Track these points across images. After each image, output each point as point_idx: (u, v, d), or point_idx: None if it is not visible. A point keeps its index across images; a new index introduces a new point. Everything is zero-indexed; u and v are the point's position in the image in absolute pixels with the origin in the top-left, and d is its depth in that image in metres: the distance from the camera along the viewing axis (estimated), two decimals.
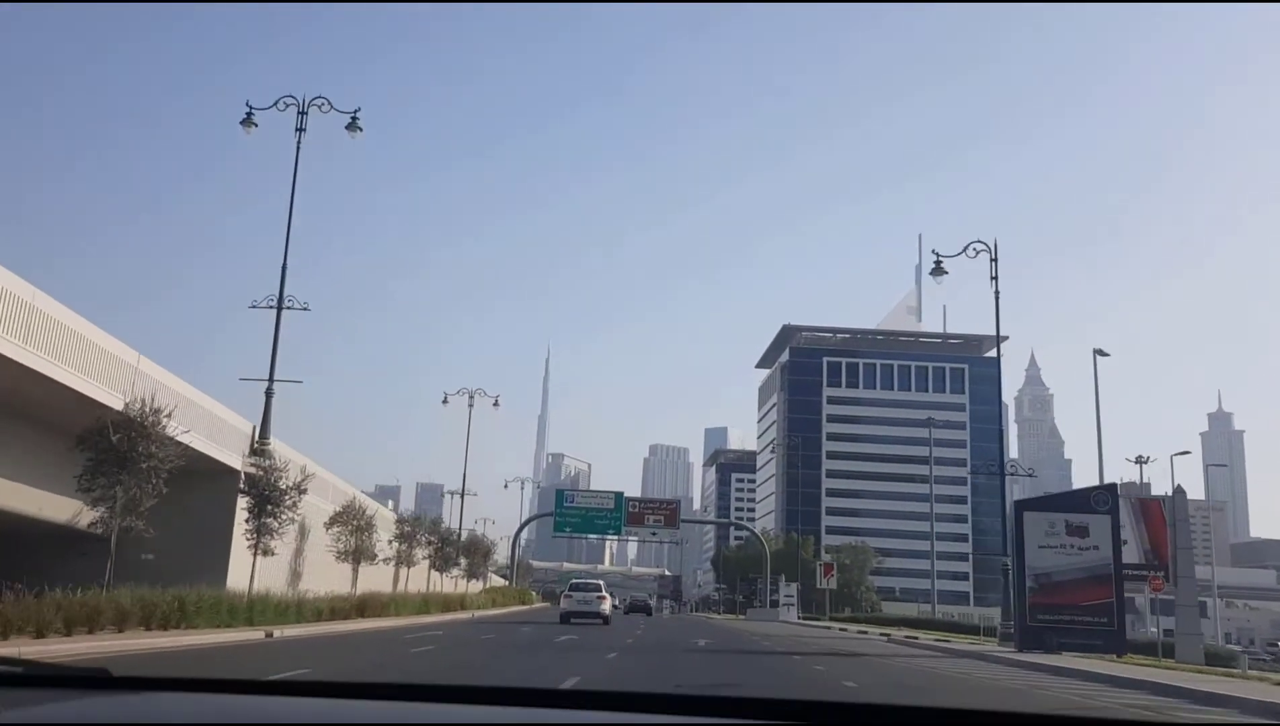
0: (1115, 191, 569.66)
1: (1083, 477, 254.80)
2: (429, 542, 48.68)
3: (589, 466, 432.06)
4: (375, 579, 39.17)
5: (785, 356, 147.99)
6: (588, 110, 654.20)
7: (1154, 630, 39.44)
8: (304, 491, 27.03)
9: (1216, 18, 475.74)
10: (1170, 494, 34.29)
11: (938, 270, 29.56)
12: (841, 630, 47.19)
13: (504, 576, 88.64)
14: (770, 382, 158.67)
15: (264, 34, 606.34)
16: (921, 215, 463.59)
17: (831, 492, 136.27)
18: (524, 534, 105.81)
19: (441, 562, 52.07)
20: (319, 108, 30.69)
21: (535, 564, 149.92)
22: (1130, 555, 27.18)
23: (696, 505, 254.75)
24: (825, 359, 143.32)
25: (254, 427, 28.80)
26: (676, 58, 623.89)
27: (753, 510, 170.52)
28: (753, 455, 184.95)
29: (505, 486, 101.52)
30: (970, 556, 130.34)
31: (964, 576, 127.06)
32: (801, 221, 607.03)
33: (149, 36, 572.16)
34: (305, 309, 29.31)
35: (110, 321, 24.28)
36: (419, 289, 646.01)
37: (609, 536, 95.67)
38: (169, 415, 20.18)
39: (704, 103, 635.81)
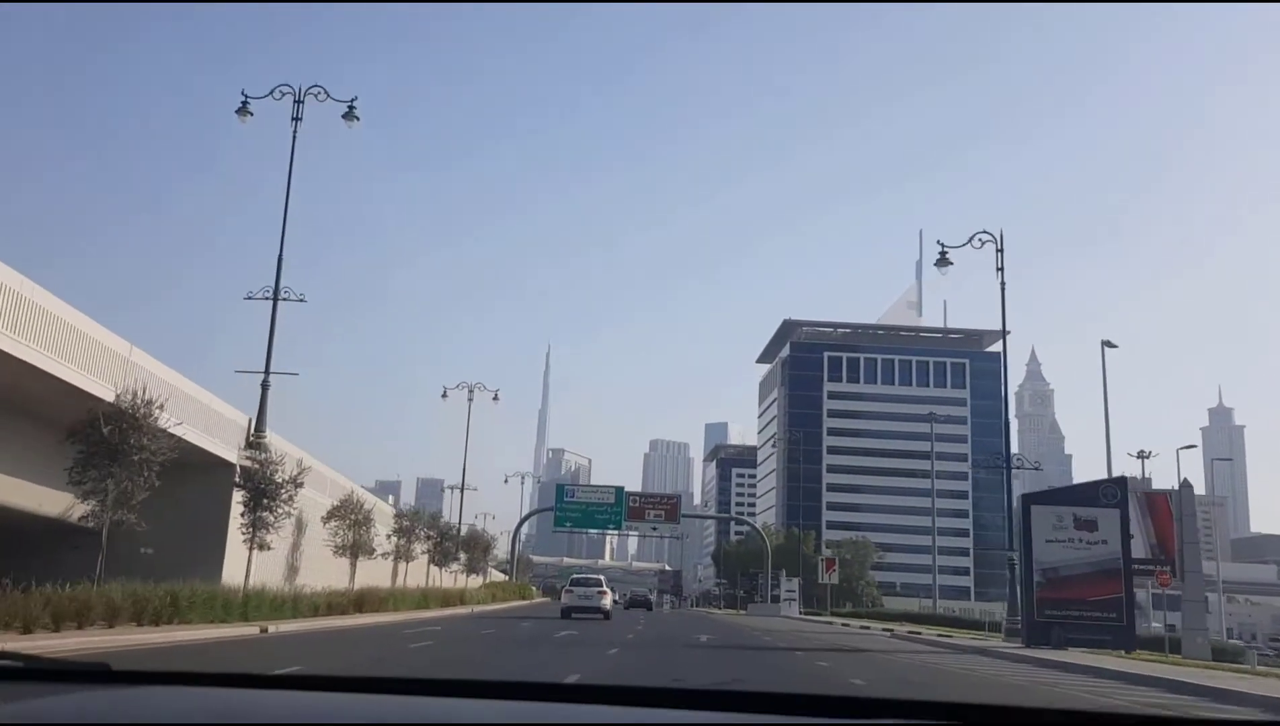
0: (1115, 190, 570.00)
1: (1083, 473, 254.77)
2: (428, 537, 48.35)
3: (589, 462, 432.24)
4: (374, 574, 38.85)
5: (786, 351, 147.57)
6: (588, 109, 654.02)
7: (1156, 625, 39.13)
8: (300, 485, 26.65)
9: (1217, 18, 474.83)
10: (1177, 488, 33.94)
11: (942, 261, 29.13)
12: (844, 625, 46.86)
13: (504, 571, 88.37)
14: (771, 377, 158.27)
15: (264, 31, 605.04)
16: (922, 213, 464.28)
17: (832, 487, 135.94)
18: (524, 529, 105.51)
19: (441, 557, 51.72)
20: (315, 97, 30.28)
21: (535, 559, 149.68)
22: (1136, 550, 26.80)
23: (697, 500, 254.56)
24: (826, 354, 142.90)
25: (250, 420, 28.45)
26: (677, 57, 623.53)
27: (753, 505, 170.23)
28: (753, 450, 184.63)
29: (505, 481, 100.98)
30: (971, 551, 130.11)
31: (965, 571, 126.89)
32: (802, 219, 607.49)
33: (148, 35, 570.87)
34: (301, 300, 28.98)
35: (112, 320, 23.98)
36: (419, 285, 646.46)
37: (609, 531, 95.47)
38: (161, 407, 19.81)
39: (704, 102, 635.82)
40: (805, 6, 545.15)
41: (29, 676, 2.06)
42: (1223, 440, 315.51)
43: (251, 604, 21.78)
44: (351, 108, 30.58)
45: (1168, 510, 30.37)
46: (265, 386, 28.36)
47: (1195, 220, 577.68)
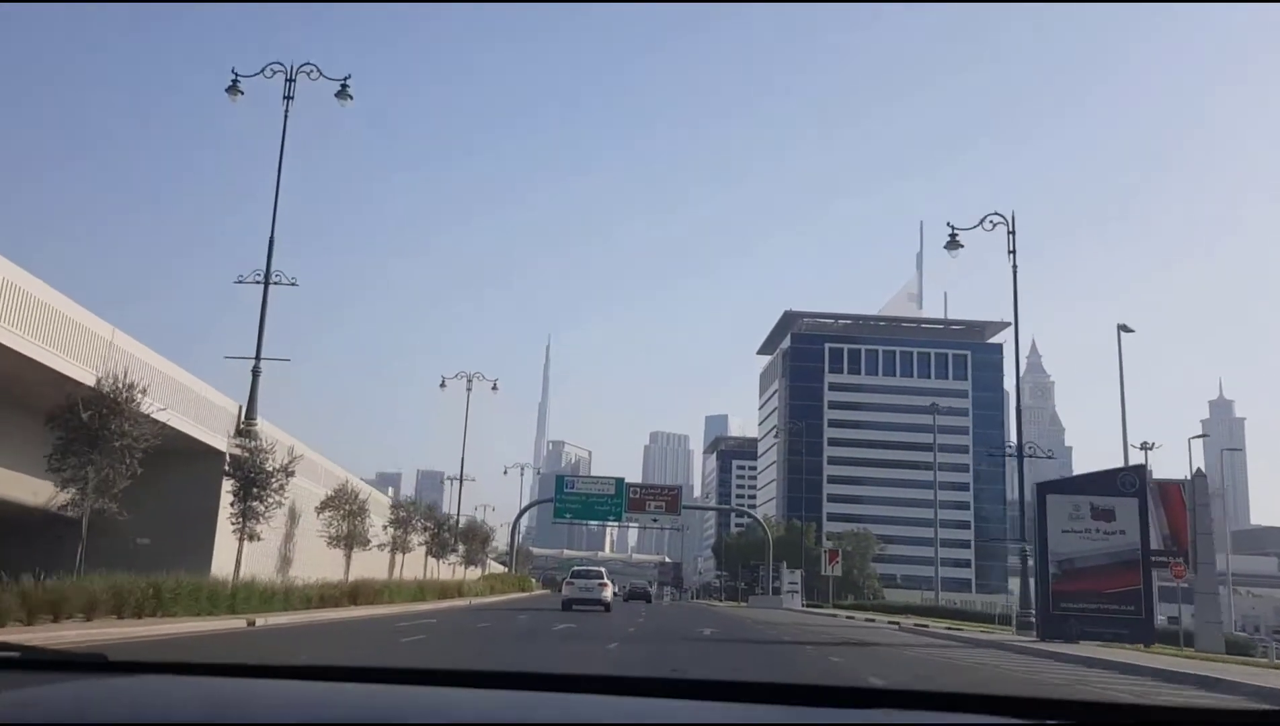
0: (1117, 184, 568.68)
1: (1083, 465, 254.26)
2: (425, 528, 47.64)
3: (589, 454, 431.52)
4: (370, 565, 38.17)
5: (787, 342, 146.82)
6: (589, 100, 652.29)
7: (1159, 618, 38.42)
8: (291, 473, 25.91)
9: (1217, 18, 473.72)
10: (1189, 478, 33.21)
11: (953, 243, 28.32)
12: (849, 618, 46.13)
13: (503, 563, 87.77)
14: (771, 369, 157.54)
15: (264, 27, 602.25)
16: (922, 208, 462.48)
17: (833, 479, 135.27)
18: (524, 520, 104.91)
19: (438, 549, 51.01)
20: (308, 75, 29.47)
21: (535, 551, 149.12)
22: (1149, 540, 26.07)
23: (697, 492, 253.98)
24: (827, 345, 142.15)
25: (240, 408, 27.69)
26: (680, 52, 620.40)
27: (753, 497, 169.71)
28: (753, 442, 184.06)
29: (505, 472, 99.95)
30: (972, 543, 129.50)
31: (966, 563, 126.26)
32: (803, 212, 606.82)
33: (147, 33, 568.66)
34: (293, 284, 28.24)
35: (115, 316, 23.23)
36: (418, 278, 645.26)
37: (609, 523, 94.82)
38: (144, 391, 19.05)
39: (706, 98, 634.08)
40: (806, 6, 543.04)
41: (26, 666, 2.04)
42: (1223, 432, 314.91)
43: (240, 596, 21.06)
44: (345, 86, 29.75)
45: (1180, 500, 29.60)
46: (256, 373, 27.63)
47: (1196, 215, 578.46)
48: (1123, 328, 31.48)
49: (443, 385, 58.57)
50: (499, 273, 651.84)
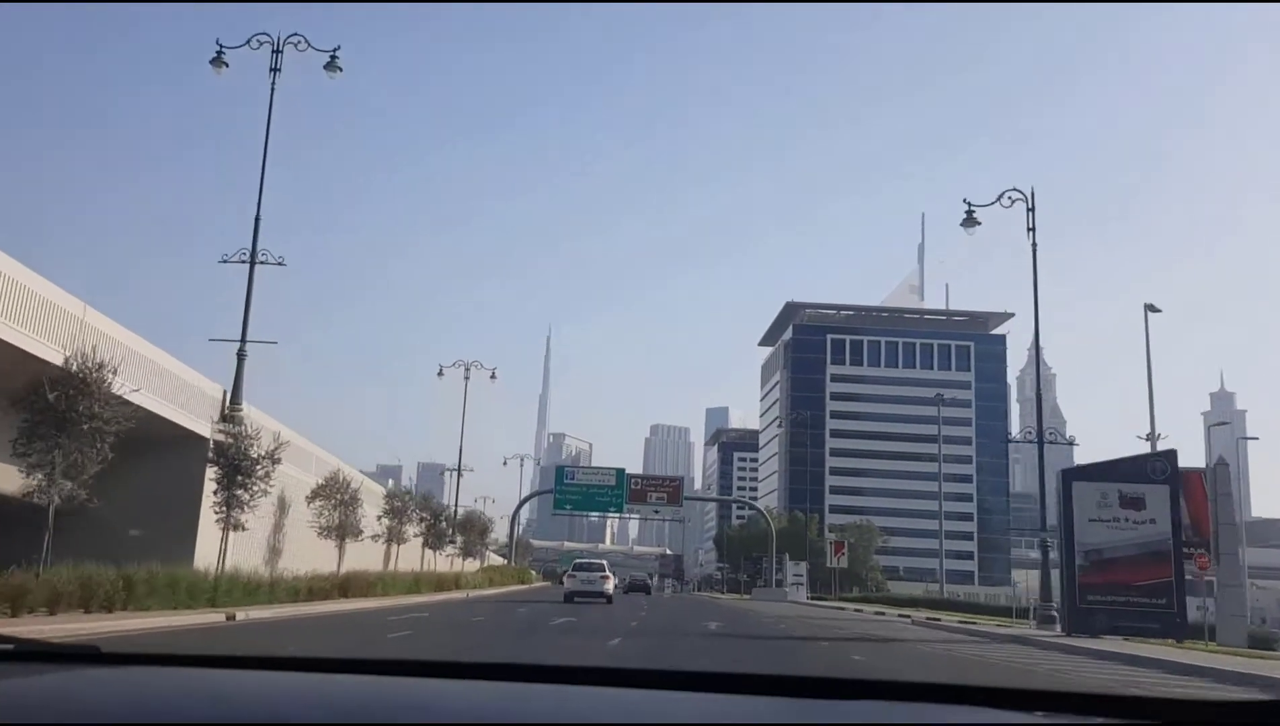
0: (1118, 179, 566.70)
1: (1085, 457, 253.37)
2: (421, 519, 46.50)
3: (590, 446, 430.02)
4: (365, 557, 37.04)
5: (788, 334, 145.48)
6: (589, 93, 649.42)
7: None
8: (277, 460, 24.74)
9: (1217, 18, 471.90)
10: (1212, 466, 32.09)
11: (969, 221, 27.09)
12: (857, 611, 45.02)
13: (503, 555, 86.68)
14: (773, 360, 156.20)
15: (264, 28, 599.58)
16: (922, 205, 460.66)
17: (835, 471, 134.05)
18: (524, 512, 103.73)
19: (435, 540, 49.86)
20: (295, 46, 28.27)
21: (535, 543, 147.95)
22: None
23: (698, 485, 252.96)
24: (829, 336, 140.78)
25: (225, 393, 26.52)
26: (682, 46, 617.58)
27: (755, 489, 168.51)
28: (754, 434, 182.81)
29: (504, 463, 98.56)
30: (975, 535, 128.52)
31: (969, 555, 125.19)
32: (804, 205, 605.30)
33: (147, 32, 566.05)
34: (280, 263, 27.19)
35: (115, 312, 22.18)
36: (419, 270, 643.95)
37: (610, 514, 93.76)
38: (114, 371, 17.88)
39: (706, 92, 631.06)
40: (809, 7, 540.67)
41: (18, 657, 1.98)
42: (1226, 425, 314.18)
43: (222, 588, 19.98)
44: (334, 58, 28.57)
45: (1202, 489, 28.54)
46: (241, 356, 26.51)
47: (1197, 212, 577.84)
48: (1150, 307, 30.38)
49: (440, 373, 57.49)
50: (499, 268, 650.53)
